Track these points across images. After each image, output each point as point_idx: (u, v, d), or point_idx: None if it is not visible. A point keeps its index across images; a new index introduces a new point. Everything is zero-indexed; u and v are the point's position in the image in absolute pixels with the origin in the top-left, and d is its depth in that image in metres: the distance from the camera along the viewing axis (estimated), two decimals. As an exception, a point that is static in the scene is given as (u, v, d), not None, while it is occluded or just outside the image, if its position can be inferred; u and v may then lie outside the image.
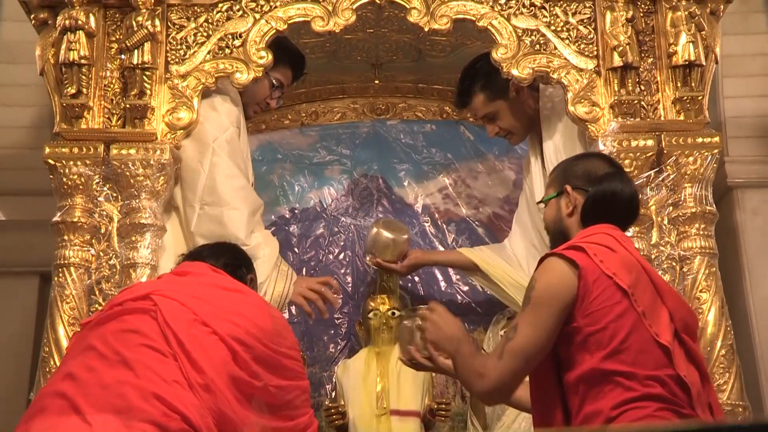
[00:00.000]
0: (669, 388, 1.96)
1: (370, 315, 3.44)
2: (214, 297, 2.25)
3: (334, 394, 3.44)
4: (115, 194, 2.93)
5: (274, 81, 3.18)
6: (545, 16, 3.08)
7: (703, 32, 2.99)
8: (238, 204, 2.93)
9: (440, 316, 2.17)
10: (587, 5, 3.08)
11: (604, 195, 2.20)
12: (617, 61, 2.95)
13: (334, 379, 3.45)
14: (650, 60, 3.05)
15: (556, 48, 3.04)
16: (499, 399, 2.10)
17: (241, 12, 3.07)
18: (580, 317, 1.99)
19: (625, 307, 1.99)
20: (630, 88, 2.95)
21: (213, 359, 2.08)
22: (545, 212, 2.32)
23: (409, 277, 3.76)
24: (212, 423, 1.99)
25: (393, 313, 3.42)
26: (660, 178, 2.93)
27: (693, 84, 2.97)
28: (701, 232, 2.88)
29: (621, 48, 2.94)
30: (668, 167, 2.93)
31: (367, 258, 3.48)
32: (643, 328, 1.99)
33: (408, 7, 3.06)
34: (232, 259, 2.56)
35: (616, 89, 2.95)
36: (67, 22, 2.92)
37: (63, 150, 2.92)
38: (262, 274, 2.83)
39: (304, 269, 3.76)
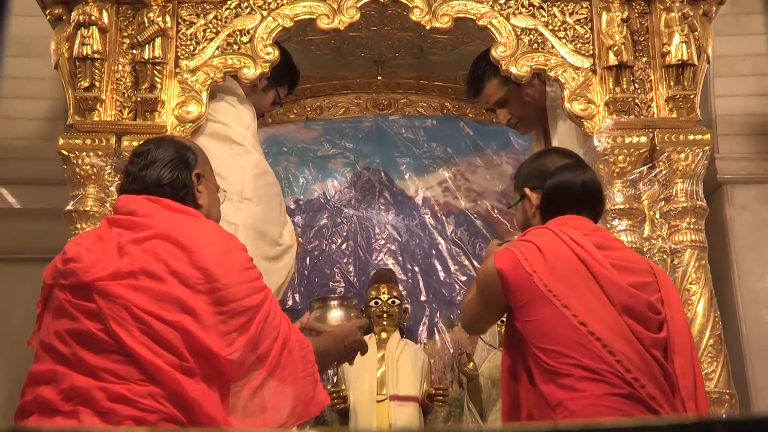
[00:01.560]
0: (606, 373, 1.97)
1: (372, 303, 3.43)
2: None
3: (335, 379, 3.44)
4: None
5: (278, 98, 3.22)
6: (543, 16, 3.06)
7: (696, 33, 2.97)
8: (273, 203, 2.90)
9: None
10: (584, 5, 3.07)
11: (556, 188, 2.23)
12: (612, 60, 2.93)
13: (335, 365, 3.45)
14: (644, 59, 3.03)
15: (553, 47, 3.02)
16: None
17: (249, 9, 3.05)
18: (515, 309, 2.12)
19: (545, 303, 2.05)
20: (624, 87, 2.94)
21: None
22: (516, 217, 2.36)
23: (409, 267, 3.76)
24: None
25: (393, 302, 3.42)
26: (652, 174, 2.92)
27: (685, 83, 2.95)
28: (692, 227, 2.88)
29: (616, 47, 2.93)
30: (660, 163, 2.92)
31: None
32: (565, 318, 2.02)
33: (410, 5, 3.04)
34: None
35: (611, 87, 2.94)
36: (80, 17, 2.91)
37: (76, 141, 2.91)
38: (280, 276, 2.82)
39: (307, 258, 3.76)
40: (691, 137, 2.94)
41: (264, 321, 1.86)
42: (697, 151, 2.92)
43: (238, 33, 3.03)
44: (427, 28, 3.05)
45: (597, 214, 2.30)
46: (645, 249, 2.86)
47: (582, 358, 1.99)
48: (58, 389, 1.73)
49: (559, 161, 2.27)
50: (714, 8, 3.08)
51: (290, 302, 3.72)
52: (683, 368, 2.07)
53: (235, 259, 1.89)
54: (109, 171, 2.91)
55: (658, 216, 2.92)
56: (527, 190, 2.26)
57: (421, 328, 3.67)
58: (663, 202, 2.92)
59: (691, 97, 2.96)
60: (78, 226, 2.85)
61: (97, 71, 2.93)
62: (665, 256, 2.86)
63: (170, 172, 1.99)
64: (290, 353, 1.91)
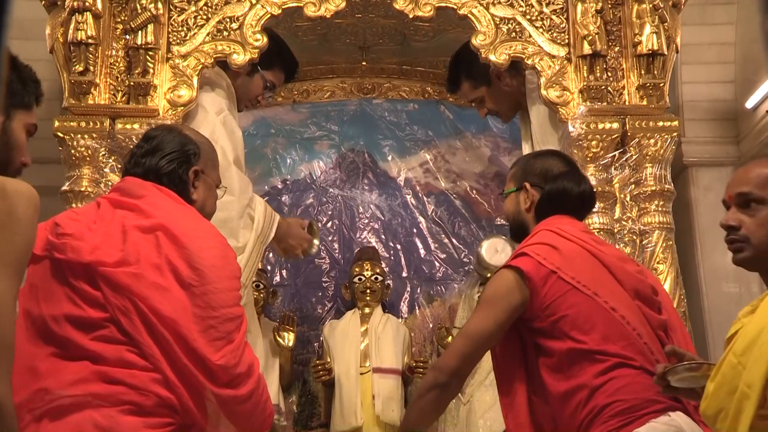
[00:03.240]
0: (636, 353, 1.99)
1: (355, 280, 3.44)
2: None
3: (321, 351, 3.45)
4: (119, 166, 2.89)
5: (268, 83, 3.09)
6: (521, 6, 3.05)
7: (666, 24, 2.98)
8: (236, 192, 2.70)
9: None
10: (560, -4, 3.06)
11: (557, 193, 2.22)
12: (587, 49, 2.93)
13: (321, 338, 3.46)
14: (617, 49, 3.04)
15: (530, 36, 3.02)
16: (456, 380, 2.10)
17: (238, -3, 3.02)
18: (539, 312, 2.04)
19: (576, 295, 2.03)
20: (598, 75, 2.94)
21: None
22: (505, 204, 2.34)
23: (391, 245, 3.76)
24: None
25: (376, 279, 3.43)
26: (624, 159, 2.94)
27: (655, 72, 2.96)
28: (660, 209, 2.90)
29: (590, 37, 2.93)
30: (631, 148, 2.94)
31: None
32: (599, 306, 2.01)
33: (394, -5, 3.02)
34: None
35: (585, 75, 2.94)
36: (75, 3, 2.87)
37: (71, 124, 2.89)
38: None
39: (294, 236, 3.75)
40: (660, 124, 2.95)
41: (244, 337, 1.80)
42: (666, 137, 2.94)
43: (228, 20, 2.99)
44: (410, 16, 3.04)
45: (584, 217, 2.32)
46: (616, 230, 2.89)
47: (619, 341, 1.98)
48: (57, 378, 1.66)
49: (561, 167, 2.26)
50: (683, 0, 3.09)
51: (277, 278, 3.72)
52: (679, 346, 2.11)
53: (229, 266, 1.83)
54: (103, 153, 2.89)
55: (628, 199, 2.94)
56: (527, 185, 2.25)
57: (402, 304, 3.69)
58: (633, 186, 2.94)
59: (661, 85, 2.97)
60: (73, 205, 2.83)
61: (91, 56, 2.89)
62: (635, 237, 2.89)
63: (169, 163, 1.94)
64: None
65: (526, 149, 3.17)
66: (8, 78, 1.49)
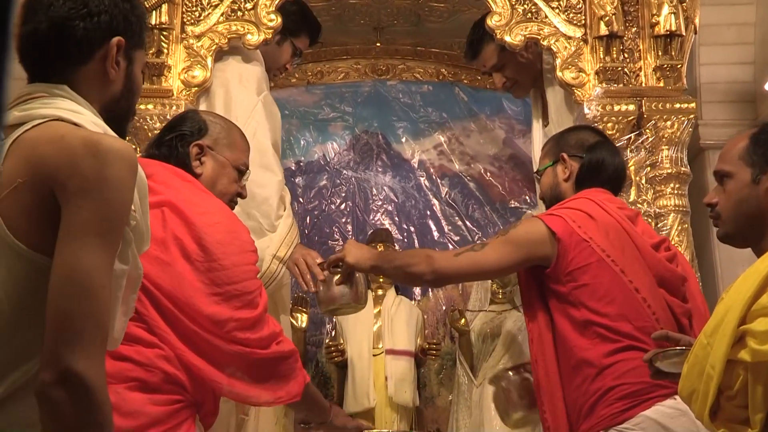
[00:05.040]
0: (649, 337, 1.97)
1: (369, 261, 3.43)
2: None
3: (334, 333, 3.45)
4: (134, 146, 2.89)
5: (297, 50, 3.07)
6: (537, -14, 3.01)
7: (684, 4, 2.94)
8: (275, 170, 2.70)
9: (352, 244, 2.31)
10: (577, -24, 3.02)
11: (597, 162, 2.22)
12: (603, 30, 2.90)
13: (334, 320, 3.46)
14: (634, 29, 3.00)
15: (546, 16, 2.98)
16: (435, 282, 2.18)
17: (252, -23, 3.00)
18: (562, 276, 2.03)
19: (603, 267, 2.01)
20: (614, 56, 2.91)
21: None
22: (542, 181, 2.32)
23: (404, 227, 3.75)
24: None
25: (390, 260, 3.42)
26: (639, 141, 2.91)
27: (673, 53, 2.93)
28: (676, 192, 2.87)
29: (607, 18, 2.89)
30: (647, 130, 2.91)
31: None
32: (623, 284, 2.00)
33: (409, -25, 2.99)
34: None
35: (602, 56, 2.90)
36: (89, -17, 2.86)
37: (86, 104, 2.89)
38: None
39: (308, 218, 3.76)
40: (677, 106, 2.92)
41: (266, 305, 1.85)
42: (683, 119, 2.91)
43: (242, 0, 2.98)
44: (425, -4, 3.01)
45: (618, 192, 2.32)
46: (631, 213, 2.86)
47: (635, 321, 1.98)
48: None
49: (596, 137, 2.27)
50: (702, -21, 3.04)
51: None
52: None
53: (237, 241, 1.84)
54: (117, 133, 2.89)
55: (644, 181, 2.91)
56: (565, 155, 2.24)
57: (415, 286, 3.68)
58: (649, 168, 2.91)
59: (678, 66, 2.93)
60: (88, 185, 2.83)
61: (105, 36, 2.88)
62: (650, 220, 2.86)
63: (170, 139, 1.98)
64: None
65: (536, 128, 3.14)
66: (124, 10, 1.32)
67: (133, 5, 1.35)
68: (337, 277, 2.30)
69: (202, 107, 2.81)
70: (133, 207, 1.23)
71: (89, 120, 1.25)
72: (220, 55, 2.93)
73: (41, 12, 1.27)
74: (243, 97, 2.76)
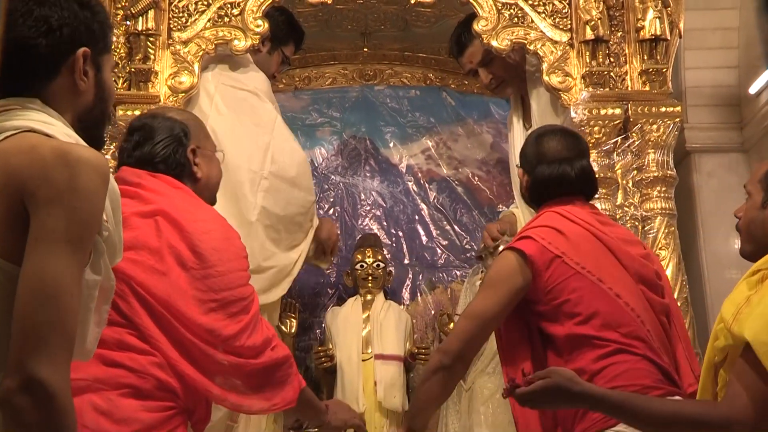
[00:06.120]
0: (637, 340, 1.98)
1: (357, 266, 3.43)
2: None
3: (323, 338, 3.45)
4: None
5: (285, 58, 3.16)
6: (523, -9, 3.03)
7: (669, 8, 2.96)
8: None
9: None
10: (562, -19, 3.04)
11: (542, 179, 2.20)
12: (589, 34, 2.92)
13: (323, 325, 3.46)
14: (619, 34, 3.02)
15: (533, 21, 3.00)
16: (461, 363, 2.10)
17: (239, -18, 3.00)
18: (542, 295, 2.05)
19: (581, 280, 2.02)
20: (600, 60, 2.93)
21: None
22: (520, 176, 2.33)
23: (393, 232, 3.76)
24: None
25: (378, 266, 3.42)
26: (626, 144, 2.93)
27: (658, 57, 2.95)
28: (662, 195, 2.90)
29: (593, 22, 2.91)
30: (634, 134, 2.93)
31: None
32: (603, 292, 2.01)
33: (396, -20, 3.00)
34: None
35: (588, 61, 2.93)
36: (75, -11, 2.85)
37: (72, 110, 2.88)
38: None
39: (296, 223, 3.74)
40: (663, 109, 2.94)
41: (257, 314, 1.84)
42: (668, 122, 2.93)
43: (229, 6, 2.98)
44: (412, 2, 3.05)
45: (589, 197, 2.28)
46: (618, 216, 2.88)
47: (621, 328, 1.98)
48: None
49: (548, 150, 2.21)
50: (686, -16, 3.07)
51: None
52: (676, 332, 2.11)
53: (232, 247, 1.85)
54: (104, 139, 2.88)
55: (630, 185, 2.93)
56: (519, 170, 2.26)
57: (404, 290, 3.68)
58: (635, 172, 2.93)
59: (664, 70, 2.96)
60: (75, 192, 2.82)
61: (91, 42, 2.87)
62: (636, 223, 2.88)
63: (164, 149, 1.94)
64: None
65: (517, 128, 3.15)
66: (85, 20, 1.31)
67: (93, 12, 1.34)
68: None
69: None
70: (105, 217, 1.23)
71: (61, 131, 1.25)
72: (206, 61, 2.94)
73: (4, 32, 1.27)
74: (257, 104, 2.92)
